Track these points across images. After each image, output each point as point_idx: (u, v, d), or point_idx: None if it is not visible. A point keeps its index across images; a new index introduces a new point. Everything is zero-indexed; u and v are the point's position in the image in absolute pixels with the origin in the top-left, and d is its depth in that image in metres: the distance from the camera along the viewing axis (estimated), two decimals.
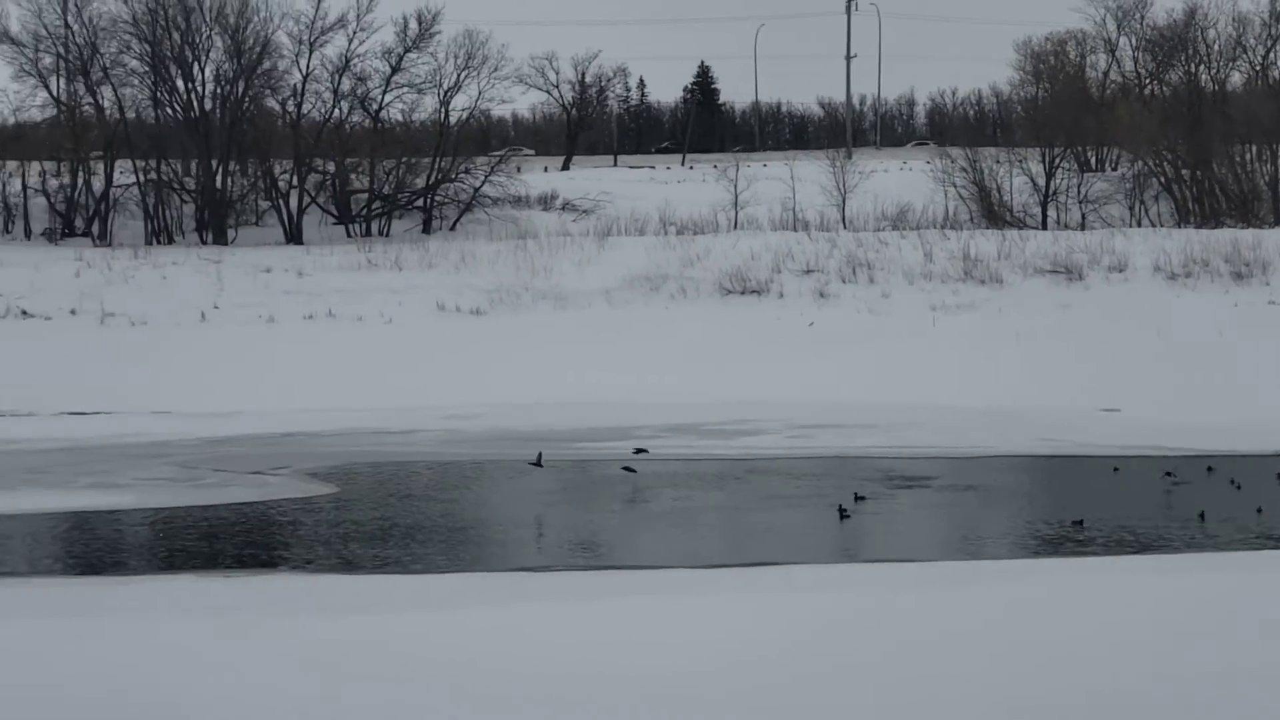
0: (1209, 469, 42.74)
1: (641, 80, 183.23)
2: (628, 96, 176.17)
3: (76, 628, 24.02)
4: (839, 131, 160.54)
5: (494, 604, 26.06)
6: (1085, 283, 76.07)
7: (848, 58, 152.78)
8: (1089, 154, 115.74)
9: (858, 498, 38.14)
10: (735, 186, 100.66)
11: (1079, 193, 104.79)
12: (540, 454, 42.61)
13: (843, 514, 36.28)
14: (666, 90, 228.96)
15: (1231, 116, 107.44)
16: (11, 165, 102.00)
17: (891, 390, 58.26)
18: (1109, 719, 18.98)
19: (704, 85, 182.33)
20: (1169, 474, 41.60)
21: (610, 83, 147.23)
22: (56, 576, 30.75)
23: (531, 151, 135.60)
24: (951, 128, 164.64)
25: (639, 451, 44.50)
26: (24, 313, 70.47)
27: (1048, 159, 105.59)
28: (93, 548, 34.10)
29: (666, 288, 76.22)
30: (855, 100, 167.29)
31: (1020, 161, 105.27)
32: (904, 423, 51.96)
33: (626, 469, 42.48)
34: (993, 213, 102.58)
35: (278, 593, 27.94)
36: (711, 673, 20.87)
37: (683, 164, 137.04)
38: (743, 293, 75.51)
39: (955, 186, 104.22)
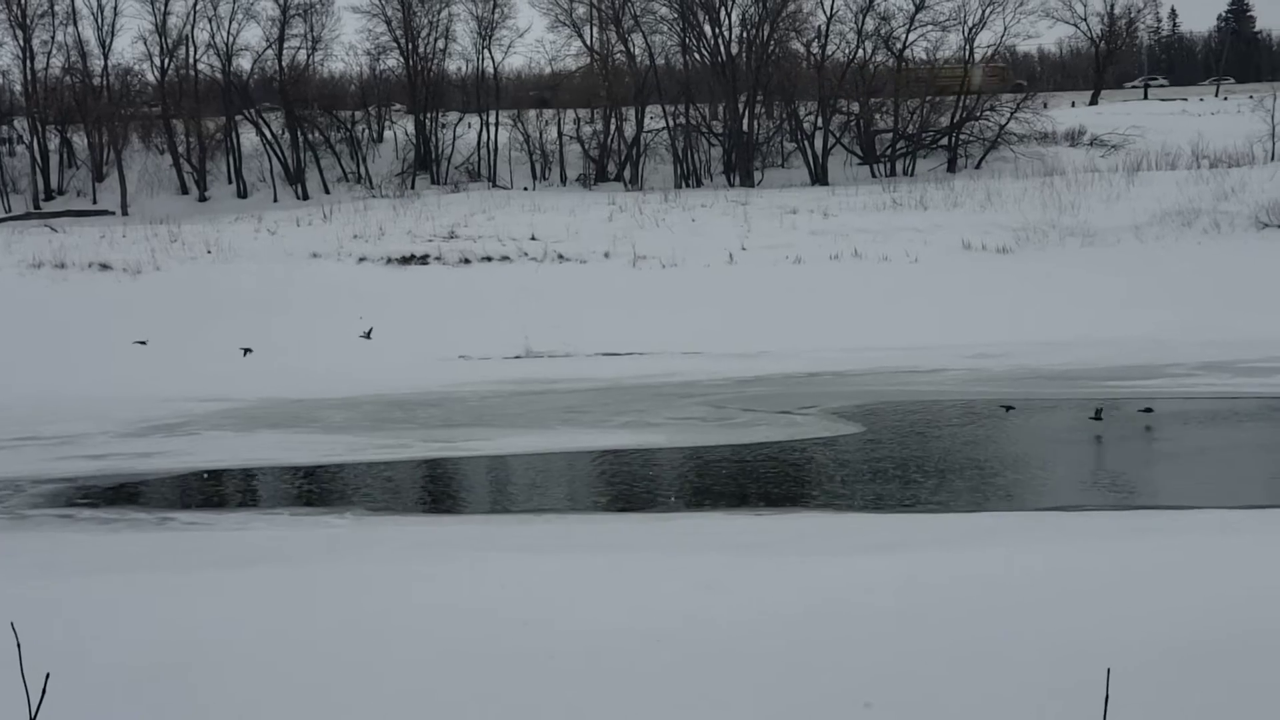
0: None
1: (1173, 10, 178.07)
2: (1158, 27, 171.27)
3: (609, 562, 24.64)
4: None
5: (1031, 541, 25.70)
6: None
7: None
8: None
9: None
10: (1273, 117, 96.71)
11: None
12: (1100, 409, 40.75)
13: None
14: (1200, 19, 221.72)
15: None
16: (548, 113, 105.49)
17: None
18: None
19: (1239, 13, 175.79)
20: None
21: (1140, 14, 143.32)
22: (591, 513, 31.71)
23: (1022, 81, 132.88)
24: None
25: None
26: (560, 256, 72.69)
27: None
28: (626, 485, 35.03)
29: (1199, 222, 73.82)
30: None
31: None
32: None
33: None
34: None
35: (804, 530, 28.19)
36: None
37: (1216, 95, 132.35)
38: None
39: None
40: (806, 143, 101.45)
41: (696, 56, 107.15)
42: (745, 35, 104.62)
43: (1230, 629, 19.39)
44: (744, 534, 28.00)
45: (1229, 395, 44.75)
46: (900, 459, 36.50)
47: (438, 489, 36.14)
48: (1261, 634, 19.13)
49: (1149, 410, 40.80)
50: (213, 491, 35.51)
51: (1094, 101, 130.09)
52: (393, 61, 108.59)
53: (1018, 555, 24.20)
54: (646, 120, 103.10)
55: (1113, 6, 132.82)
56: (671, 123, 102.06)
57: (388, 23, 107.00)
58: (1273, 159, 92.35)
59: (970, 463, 35.74)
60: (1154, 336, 56.23)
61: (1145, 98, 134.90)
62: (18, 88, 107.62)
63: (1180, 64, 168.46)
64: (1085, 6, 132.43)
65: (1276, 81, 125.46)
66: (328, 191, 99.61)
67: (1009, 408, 41.89)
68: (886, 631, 19.86)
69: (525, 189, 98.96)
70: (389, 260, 72.35)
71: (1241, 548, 24.53)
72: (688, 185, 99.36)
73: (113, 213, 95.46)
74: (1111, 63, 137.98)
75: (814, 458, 37.04)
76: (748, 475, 35.37)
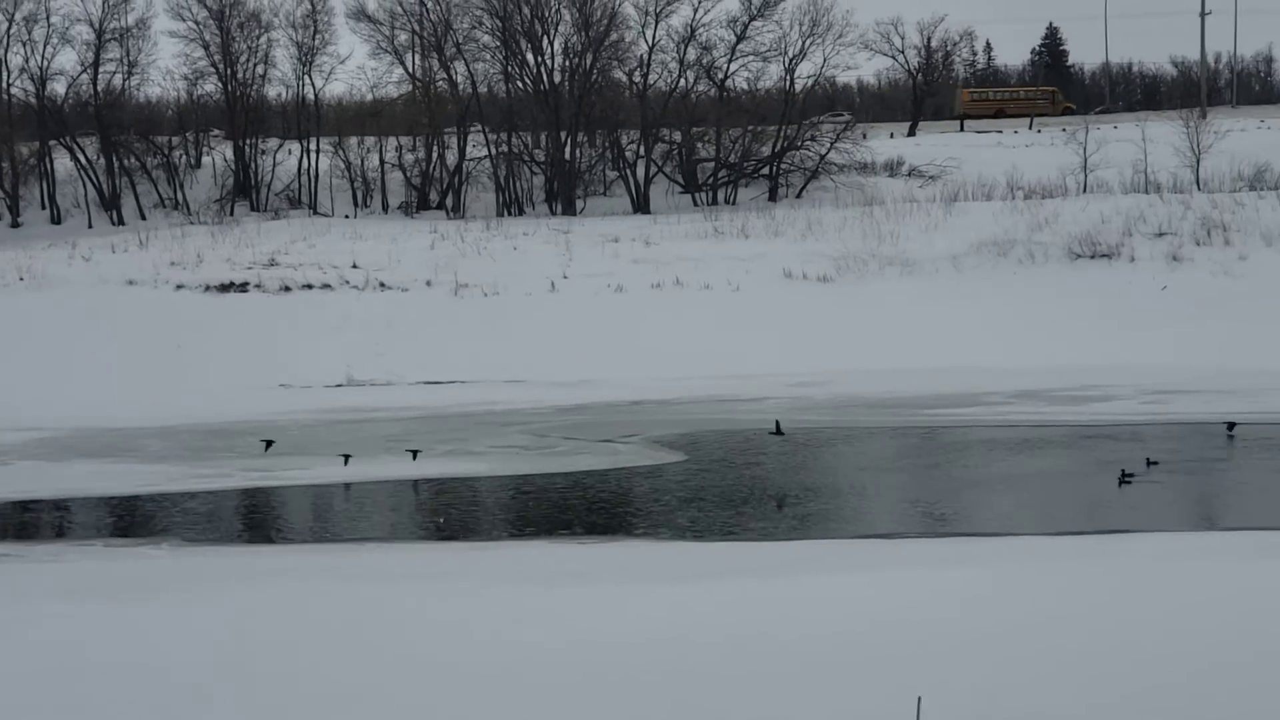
0: None
1: (988, 44, 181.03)
2: (974, 60, 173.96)
3: (429, 590, 24.57)
4: (1192, 91, 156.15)
5: (835, 570, 25.98)
6: None
7: (1202, 14, 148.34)
8: None
9: (1150, 463, 37.31)
10: (1084, 149, 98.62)
11: None
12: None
13: (1123, 479, 35.62)
14: (1014, 53, 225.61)
15: None
16: (369, 141, 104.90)
17: (1252, 355, 56.58)
18: None
19: (1052, 46, 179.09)
20: None
21: (956, 47, 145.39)
22: (414, 542, 31.59)
23: (846, 115, 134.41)
24: None
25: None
26: (382, 285, 72.34)
27: None
28: (448, 513, 34.91)
29: (1014, 252, 75.07)
30: (1210, 58, 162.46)
31: None
32: (1267, 388, 50.43)
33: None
34: None
35: (628, 559, 28.27)
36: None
37: (1030, 128, 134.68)
38: (1092, 256, 74.01)
39: None
40: (629, 171, 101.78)
41: (519, 85, 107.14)
42: (568, 64, 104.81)
43: (1042, 650, 19.76)
44: (566, 562, 28.02)
45: (1042, 423, 45.55)
46: (722, 488, 36.70)
47: (257, 518, 35.80)
48: (1069, 653, 19.52)
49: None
50: (23, 521, 34.90)
51: (912, 133, 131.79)
52: (211, 87, 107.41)
53: (836, 583, 24.48)
54: (469, 148, 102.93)
55: (929, 39, 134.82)
56: (494, 151, 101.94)
57: (205, 47, 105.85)
58: (1084, 191, 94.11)
59: (791, 491, 36.01)
60: (971, 364, 57.05)
61: (961, 129, 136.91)
62: None
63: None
64: (903, 39, 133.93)
65: (1098, 113, 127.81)
66: (144, 218, 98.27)
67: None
68: (705, 660, 20.00)
69: (346, 216, 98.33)
70: (207, 288, 71.58)
71: (1052, 572, 25.00)
72: (510, 213, 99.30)
73: None
74: (929, 94, 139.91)
75: (636, 486, 37.13)
76: (570, 504, 35.41)
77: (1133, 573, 24.72)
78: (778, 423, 42.30)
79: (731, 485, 37.00)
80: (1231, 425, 42.88)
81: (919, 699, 8.09)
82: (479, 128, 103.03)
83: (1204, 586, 23.39)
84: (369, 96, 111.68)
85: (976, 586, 24.04)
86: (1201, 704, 17.81)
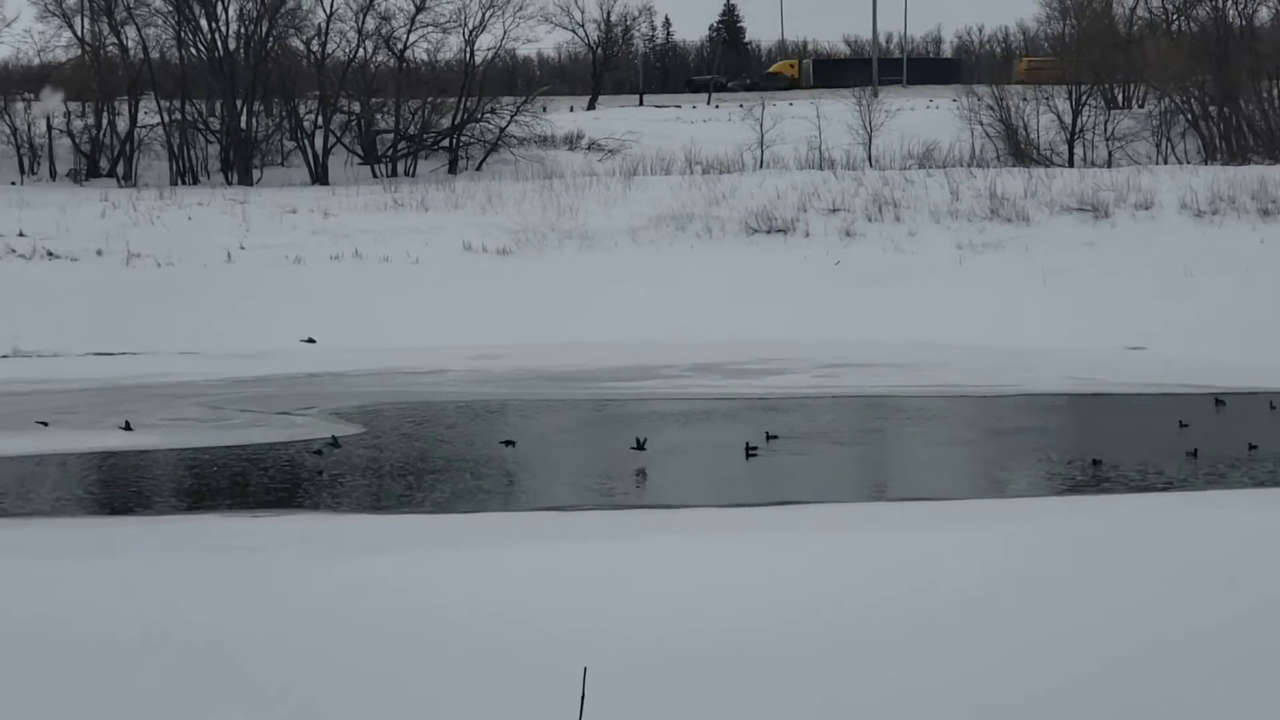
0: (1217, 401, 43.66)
1: (667, 19, 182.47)
2: (653, 35, 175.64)
3: (106, 567, 24.14)
4: (866, 69, 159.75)
5: (517, 542, 26.16)
6: (1112, 220, 75.75)
7: None
8: (1116, 91, 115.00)
9: (769, 436, 38.25)
10: (761, 125, 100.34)
11: (1106, 130, 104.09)
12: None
13: (749, 452, 36.52)
14: (692, 29, 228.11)
15: (1259, 52, 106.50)
16: (37, 106, 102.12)
17: (918, 330, 58.18)
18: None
19: (730, 24, 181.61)
20: (1220, 401, 43.46)
21: (635, 21, 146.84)
22: (85, 516, 30.97)
23: (546, 88, 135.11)
24: (979, 65, 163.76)
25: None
26: (50, 254, 70.52)
27: (1074, 96, 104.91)
28: (120, 488, 34.30)
29: (692, 227, 76.08)
30: (882, 38, 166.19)
31: (1047, 99, 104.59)
32: (931, 362, 51.96)
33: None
34: (1019, 151, 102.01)
35: (304, 532, 28.07)
36: (746, 608, 20.97)
37: (709, 103, 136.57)
38: (769, 232, 75.34)
39: (982, 124, 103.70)
40: (307, 142, 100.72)
41: (193, 51, 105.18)
42: (244, 31, 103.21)
43: (707, 628, 20.14)
44: (240, 536, 27.73)
45: (715, 396, 46.33)
46: (401, 460, 36.64)
47: None
48: (735, 633, 19.94)
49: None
50: None
51: (592, 106, 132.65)
52: None
53: (508, 556, 24.69)
54: (141, 115, 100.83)
55: (609, 14, 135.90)
56: (167, 118, 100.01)
57: None
58: (761, 166, 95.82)
59: (471, 464, 36.10)
60: (650, 338, 57.68)
61: (641, 104, 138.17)
62: None
63: (674, 72, 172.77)
64: (583, 13, 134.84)
65: (766, 91, 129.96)
66: None
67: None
68: (381, 632, 20.03)
69: (12, 184, 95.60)
70: None
71: (709, 547, 25.54)
72: (184, 183, 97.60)
73: None
74: (608, 68, 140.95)
75: (313, 461, 36.82)
76: (245, 477, 35.02)
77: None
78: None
79: (410, 457, 36.95)
80: None
81: (584, 670, 8.09)
82: (152, 94, 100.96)
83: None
84: (36, 61, 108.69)
85: (645, 555, 24.42)
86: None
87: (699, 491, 33.03)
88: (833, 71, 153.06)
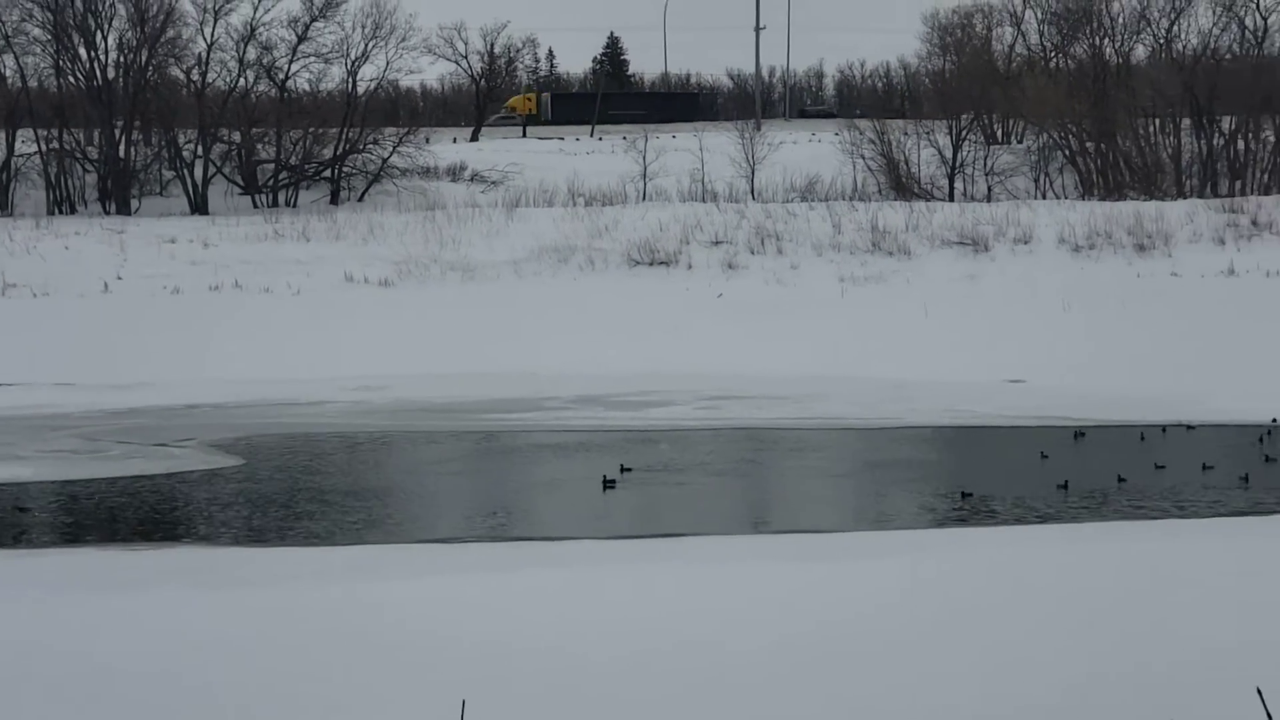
0: (1077, 435, 44.19)
1: (550, 51, 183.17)
2: (537, 67, 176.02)
3: None
4: (748, 103, 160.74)
5: (397, 577, 26.06)
6: (991, 254, 76.61)
7: (757, 29, 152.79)
8: (995, 126, 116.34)
9: (623, 469, 38.29)
10: (644, 158, 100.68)
11: (985, 165, 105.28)
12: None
13: (607, 485, 36.55)
14: (576, 61, 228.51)
15: (1135, 90, 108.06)
16: None
17: (801, 362, 58.42)
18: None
19: (613, 56, 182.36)
20: (1080, 434, 43.84)
21: (519, 54, 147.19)
22: None
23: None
24: (860, 100, 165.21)
25: None
26: None
27: (954, 131, 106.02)
28: None
29: (575, 259, 76.18)
30: (764, 72, 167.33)
31: (928, 134, 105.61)
32: (812, 394, 52.19)
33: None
34: (900, 185, 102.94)
35: (182, 565, 27.81)
36: (627, 643, 20.97)
37: (592, 135, 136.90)
38: (651, 264, 75.57)
39: (864, 158, 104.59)
40: (186, 171, 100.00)
41: (72, 80, 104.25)
42: (123, 60, 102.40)
43: (587, 661, 20.15)
44: (115, 570, 27.41)
45: (597, 429, 46.33)
46: (280, 492, 36.39)
47: None
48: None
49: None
50: None
51: (475, 138, 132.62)
52: None
53: (394, 589, 24.58)
54: (18, 144, 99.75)
55: (492, 45, 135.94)
56: (44, 147, 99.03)
57: None
58: (644, 198, 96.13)
59: (349, 496, 35.90)
60: (534, 370, 57.60)
61: (524, 135, 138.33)
62: None
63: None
64: (466, 44, 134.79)
65: (650, 124, 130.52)
66: None
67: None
68: (251, 665, 19.90)
69: None
70: None
71: (581, 579, 25.57)
72: (61, 212, 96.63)
73: None
74: (491, 100, 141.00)
75: (192, 491, 36.50)
76: (122, 510, 34.63)
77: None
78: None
79: (290, 490, 36.71)
80: None
81: (462, 703, 8.01)
82: (29, 123, 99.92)
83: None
84: None
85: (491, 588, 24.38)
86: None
87: (569, 523, 33.02)
88: (573, 106, 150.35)
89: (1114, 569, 25.92)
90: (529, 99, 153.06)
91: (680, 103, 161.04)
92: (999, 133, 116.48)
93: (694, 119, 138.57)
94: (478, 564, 27.64)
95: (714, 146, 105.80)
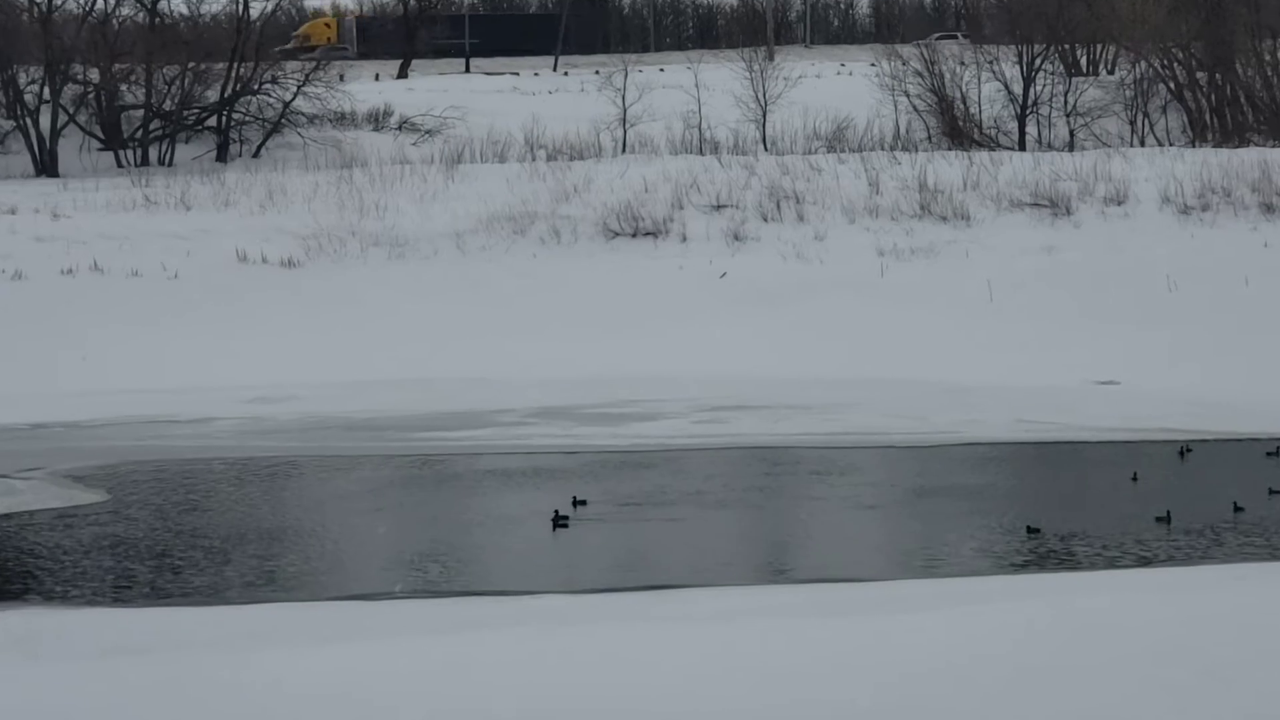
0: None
1: None
2: None
3: None
4: (758, 26, 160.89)
5: (303, 644, 26.13)
6: (1075, 219, 76.59)
7: None
8: (1079, 54, 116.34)
9: (576, 502, 38.37)
10: (624, 98, 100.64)
11: (1066, 104, 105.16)
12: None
13: (558, 522, 36.71)
14: None
15: (1261, 4, 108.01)
16: None
17: (828, 361, 58.52)
18: None
19: None
20: (1186, 450, 44.19)
21: None
22: None
23: (346, 48, 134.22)
24: (903, 20, 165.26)
25: None
26: None
27: (1026, 60, 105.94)
28: None
29: (535, 230, 76.09)
30: None
31: (991, 63, 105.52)
32: (842, 403, 52.32)
33: None
34: (956, 130, 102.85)
35: (21, 631, 27.87)
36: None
37: (555, 69, 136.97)
38: (634, 235, 75.53)
39: (908, 96, 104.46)
40: (30, 121, 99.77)
41: None
42: None
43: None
44: None
45: (565, 449, 46.40)
46: (151, 537, 36.41)
47: None
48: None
49: None
50: None
51: (403, 74, 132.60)
52: None
53: (299, 658, 24.68)
54: None
55: None
56: None
57: None
58: (624, 151, 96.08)
59: (240, 541, 35.93)
60: (481, 374, 57.65)
61: (467, 70, 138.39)
62: None
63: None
64: None
65: (627, 53, 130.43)
66: None
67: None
68: None
69: None
70: None
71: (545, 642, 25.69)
72: None
73: None
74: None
75: (41, 537, 36.55)
76: None
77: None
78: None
79: (165, 534, 36.73)
80: None
81: None
82: None
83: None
84: None
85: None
86: None
87: (524, 572, 33.17)
88: (387, 35, 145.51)
89: (1233, 626, 25.95)
90: (329, 24, 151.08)
91: (539, 25, 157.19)
92: (1083, 62, 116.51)
93: (547, 52, 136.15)
94: (407, 625, 27.71)
95: (714, 83, 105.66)
